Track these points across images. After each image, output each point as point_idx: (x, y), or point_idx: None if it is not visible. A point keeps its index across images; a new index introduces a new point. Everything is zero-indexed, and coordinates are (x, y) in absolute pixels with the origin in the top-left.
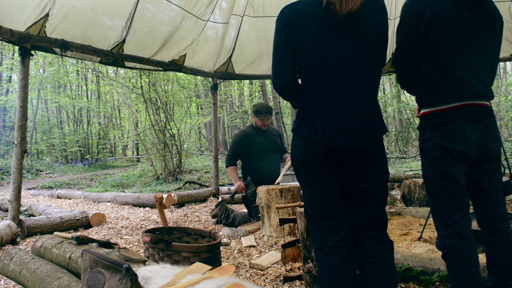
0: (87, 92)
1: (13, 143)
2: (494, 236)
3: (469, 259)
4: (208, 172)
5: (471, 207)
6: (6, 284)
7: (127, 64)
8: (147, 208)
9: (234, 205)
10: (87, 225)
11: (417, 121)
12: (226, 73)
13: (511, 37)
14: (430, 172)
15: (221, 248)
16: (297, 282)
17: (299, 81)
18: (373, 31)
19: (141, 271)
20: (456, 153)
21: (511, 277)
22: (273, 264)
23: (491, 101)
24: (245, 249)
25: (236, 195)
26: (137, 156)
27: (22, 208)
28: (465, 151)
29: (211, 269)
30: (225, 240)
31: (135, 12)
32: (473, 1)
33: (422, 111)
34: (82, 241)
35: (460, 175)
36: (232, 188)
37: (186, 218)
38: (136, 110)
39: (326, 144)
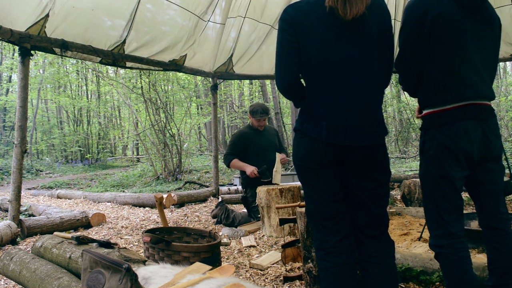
0: (87, 92)
1: (13, 143)
2: (495, 236)
3: (461, 257)
4: (208, 172)
5: (472, 207)
6: (6, 284)
7: (127, 64)
8: (147, 208)
9: (234, 205)
10: (87, 225)
11: (417, 121)
12: (226, 73)
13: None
14: (429, 172)
15: (221, 248)
16: (297, 282)
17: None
18: (376, 31)
19: (141, 271)
20: (460, 153)
21: None
22: (273, 264)
23: (491, 102)
24: (245, 249)
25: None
26: (137, 156)
27: (22, 208)
28: (469, 151)
29: (211, 269)
30: (225, 240)
31: (136, 12)
32: (474, 3)
33: (425, 111)
34: (82, 241)
35: (458, 179)
36: (233, 188)
37: (186, 218)
38: (136, 110)
39: (330, 143)
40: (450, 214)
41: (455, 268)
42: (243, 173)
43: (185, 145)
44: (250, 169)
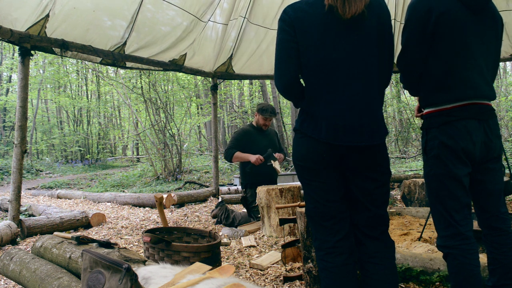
0: (87, 92)
1: (13, 143)
2: (496, 236)
3: (470, 259)
4: (208, 172)
5: (472, 207)
6: (6, 284)
7: (127, 64)
8: (147, 208)
9: (234, 205)
10: (87, 225)
11: (417, 121)
12: (226, 73)
13: None
14: (434, 171)
15: (221, 248)
16: (297, 282)
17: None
18: (376, 30)
19: (141, 271)
20: (462, 152)
21: None
22: (273, 264)
23: (492, 102)
24: (245, 249)
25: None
26: (137, 156)
27: (22, 208)
28: (470, 150)
29: (211, 269)
30: (225, 240)
31: (138, 13)
32: (479, 3)
33: (426, 110)
34: (82, 241)
35: (463, 176)
36: (233, 188)
37: (186, 218)
38: (136, 110)
39: (330, 143)
40: (458, 213)
41: (463, 270)
42: (243, 172)
43: (185, 145)
44: (254, 157)
